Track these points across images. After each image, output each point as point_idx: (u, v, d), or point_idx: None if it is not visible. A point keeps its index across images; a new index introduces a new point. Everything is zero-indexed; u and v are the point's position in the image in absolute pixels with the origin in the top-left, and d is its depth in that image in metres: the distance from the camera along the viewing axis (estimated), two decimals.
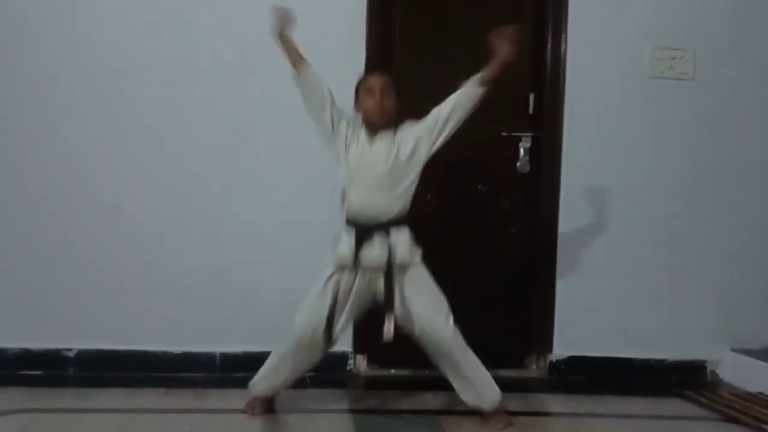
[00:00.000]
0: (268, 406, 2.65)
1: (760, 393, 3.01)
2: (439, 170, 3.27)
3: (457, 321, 3.31)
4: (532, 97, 3.37)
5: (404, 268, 2.53)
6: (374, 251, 2.49)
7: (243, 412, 2.62)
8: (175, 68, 3.10)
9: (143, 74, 3.10)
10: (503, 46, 2.56)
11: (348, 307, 2.56)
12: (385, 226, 2.51)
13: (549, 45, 3.33)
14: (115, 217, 3.09)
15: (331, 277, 2.53)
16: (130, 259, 3.10)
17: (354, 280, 2.53)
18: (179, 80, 3.11)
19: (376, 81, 2.55)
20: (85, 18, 3.07)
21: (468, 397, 2.61)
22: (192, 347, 3.11)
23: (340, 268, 2.53)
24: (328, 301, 2.51)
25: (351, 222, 2.53)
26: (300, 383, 2.94)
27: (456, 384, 2.61)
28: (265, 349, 3.09)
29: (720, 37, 3.33)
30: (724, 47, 3.34)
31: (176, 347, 3.10)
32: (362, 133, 2.56)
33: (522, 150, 3.35)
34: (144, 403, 2.74)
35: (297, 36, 3.11)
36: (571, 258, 3.30)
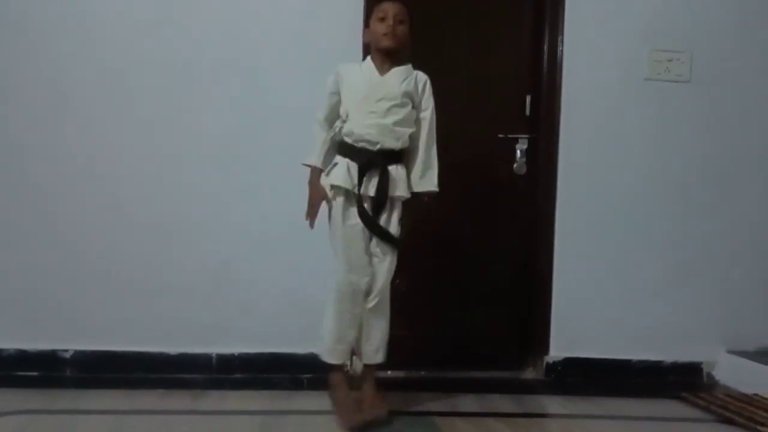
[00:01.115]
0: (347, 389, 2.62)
1: (756, 394, 3.02)
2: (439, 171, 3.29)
3: (455, 321, 3.34)
4: (528, 99, 3.38)
5: (395, 202, 2.56)
6: (375, 181, 2.50)
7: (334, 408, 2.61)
8: (175, 67, 3.10)
9: (144, 73, 3.09)
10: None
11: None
12: (386, 156, 2.51)
13: (546, 47, 3.34)
14: (114, 217, 3.08)
15: (344, 215, 2.52)
16: (128, 259, 3.09)
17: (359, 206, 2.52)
18: (180, 79, 3.11)
19: (389, 6, 2.53)
20: (86, 17, 3.06)
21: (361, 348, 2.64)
22: (189, 348, 3.10)
23: (344, 198, 2.51)
24: (355, 240, 2.51)
25: (350, 148, 2.52)
26: (297, 384, 2.95)
27: (361, 335, 2.62)
28: (263, 350, 3.12)
29: (717, 40, 3.35)
30: (721, 49, 3.35)
31: (174, 348, 3.10)
32: (370, 65, 2.56)
33: (519, 152, 3.36)
34: (141, 405, 2.74)
35: (294, 34, 3.14)
36: (568, 260, 3.31)
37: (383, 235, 2.54)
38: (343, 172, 2.50)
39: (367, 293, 2.57)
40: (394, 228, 2.58)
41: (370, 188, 2.51)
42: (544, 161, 3.34)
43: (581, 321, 3.31)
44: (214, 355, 3.12)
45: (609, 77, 3.31)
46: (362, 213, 2.51)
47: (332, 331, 2.58)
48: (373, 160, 2.50)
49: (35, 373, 3.01)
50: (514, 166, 3.36)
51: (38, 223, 3.06)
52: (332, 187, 2.53)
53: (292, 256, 3.09)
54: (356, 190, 2.50)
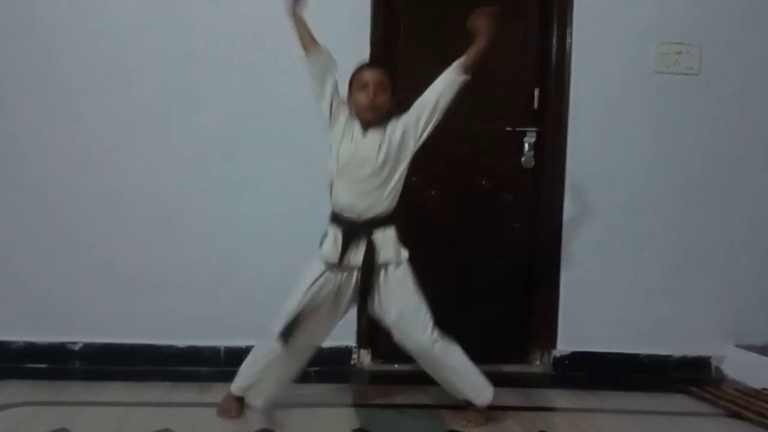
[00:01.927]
0: (241, 406, 2.58)
1: (764, 389, 3.01)
2: (443, 165, 3.29)
3: (462, 315, 3.33)
4: (537, 92, 3.37)
5: (388, 267, 2.47)
6: (360, 250, 2.44)
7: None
8: (178, 63, 3.10)
9: (147, 69, 3.10)
10: (484, 26, 2.49)
11: (337, 306, 2.51)
12: (371, 224, 2.45)
13: (554, 40, 3.32)
14: (120, 211, 3.10)
15: (317, 279, 2.46)
16: (134, 253, 3.10)
17: (341, 278, 2.48)
18: (183, 75, 3.11)
19: (370, 76, 2.44)
20: (86, 13, 3.07)
21: (459, 394, 2.59)
22: (196, 341, 3.12)
23: (328, 266, 2.46)
24: (304, 301, 2.45)
25: (337, 217, 2.48)
26: (304, 377, 2.95)
27: (448, 386, 2.59)
28: None
29: (726, 33, 3.32)
30: (730, 42, 3.32)
31: (181, 341, 3.11)
32: (356, 128, 2.48)
33: (526, 145, 3.35)
34: (148, 397, 2.75)
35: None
36: (575, 253, 3.30)
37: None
38: (330, 242, 2.45)
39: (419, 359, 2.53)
40: (399, 294, 2.48)
41: (356, 257, 2.44)
42: (551, 155, 3.32)
43: (588, 315, 3.30)
44: (221, 347, 3.13)
45: (618, 70, 3.29)
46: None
47: (251, 369, 2.54)
48: (356, 230, 2.44)
49: (44, 366, 3.03)
50: (522, 159, 3.35)
51: (48, 218, 3.07)
52: (321, 258, 2.48)
53: (296, 251, 3.05)
54: (337, 261, 2.44)
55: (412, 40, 3.30)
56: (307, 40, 2.51)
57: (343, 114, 2.50)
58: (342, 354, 3.18)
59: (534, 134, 3.34)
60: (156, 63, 3.10)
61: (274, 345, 2.47)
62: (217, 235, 3.14)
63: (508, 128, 3.35)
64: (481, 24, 2.48)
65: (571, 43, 3.27)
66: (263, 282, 3.12)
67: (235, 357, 3.10)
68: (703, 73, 3.31)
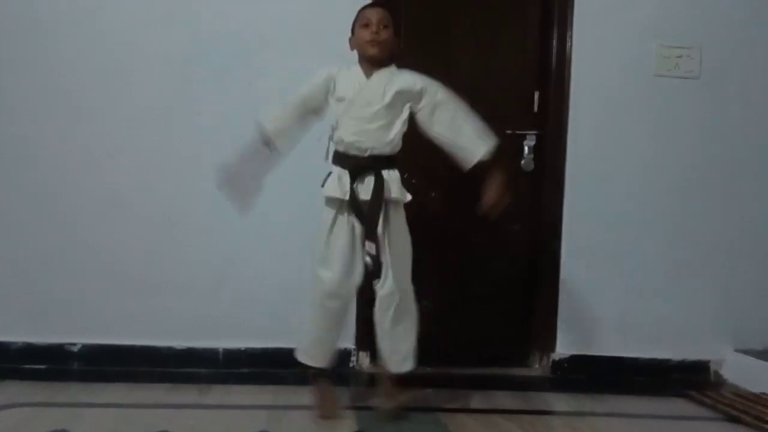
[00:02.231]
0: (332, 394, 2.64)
1: (763, 393, 3.00)
2: (443, 167, 3.27)
3: (461, 318, 3.33)
4: (537, 95, 3.37)
5: (390, 206, 2.51)
6: (367, 186, 2.46)
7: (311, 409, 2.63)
8: (179, 64, 3.10)
9: (148, 70, 3.10)
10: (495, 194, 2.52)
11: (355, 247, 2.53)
12: (377, 161, 2.47)
13: (554, 42, 3.32)
14: (119, 211, 3.09)
15: (334, 222, 2.49)
16: (134, 253, 3.10)
17: (351, 218, 2.50)
18: (183, 76, 3.11)
19: (372, 13, 2.47)
20: (89, 14, 3.07)
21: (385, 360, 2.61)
22: (196, 343, 3.11)
23: (337, 208, 2.48)
24: (338, 245, 2.48)
25: (342, 156, 2.49)
26: (302, 379, 2.95)
27: (382, 344, 2.60)
28: (269, 345, 3.12)
29: (727, 36, 3.32)
30: (731, 45, 3.32)
31: (180, 342, 3.11)
32: (357, 70, 2.50)
33: (526, 148, 3.35)
34: (147, 398, 2.75)
35: (298, 32, 3.13)
36: (575, 256, 3.30)
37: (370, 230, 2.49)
38: (334, 182, 2.48)
39: (380, 301, 2.54)
40: (397, 234, 2.53)
41: (362, 193, 2.47)
42: (551, 158, 3.32)
43: (588, 318, 3.30)
44: (220, 349, 3.13)
45: (618, 73, 3.29)
46: (358, 215, 2.48)
47: (310, 334, 2.60)
48: (363, 165, 2.47)
49: (42, 366, 3.03)
50: (522, 162, 3.35)
51: (47, 219, 3.07)
52: (325, 199, 2.51)
53: (297, 252, 3.08)
54: (347, 197, 2.46)
55: (413, 46, 3.29)
56: (269, 143, 2.55)
57: (326, 74, 2.52)
58: (341, 356, 3.17)
59: (534, 137, 3.34)
60: (157, 63, 3.10)
61: (320, 288, 2.52)
62: (216, 236, 3.14)
63: (508, 131, 3.34)
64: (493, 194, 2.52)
65: (571, 46, 3.27)
66: (263, 283, 3.13)
67: (234, 358, 3.12)
68: (703, 77, 3.31)
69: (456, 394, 2.92)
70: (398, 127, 2.50)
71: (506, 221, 3.37)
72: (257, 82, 3.12)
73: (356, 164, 2.47)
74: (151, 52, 3.09)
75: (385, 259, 2.51)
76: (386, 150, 2.49)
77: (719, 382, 3.30)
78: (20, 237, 3.07)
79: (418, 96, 2.52)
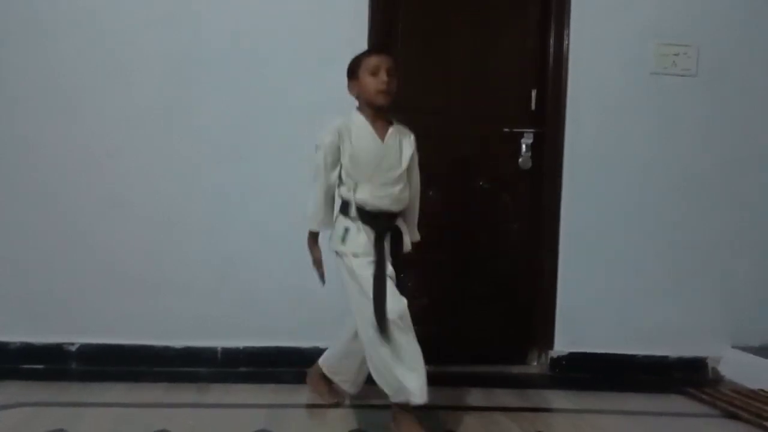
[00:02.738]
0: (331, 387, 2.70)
1: (761, 390, 3.02)
2: (442, 166, 3.29)
3: (461, 316, 3.34)
4: (534, 93, 3.37)
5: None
6: (388, 241, 2.45)
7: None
8: (180, 63, 3.10)
9: (149, 69, 3.10)
10: None
11: None
12: (394, 216, 2.48)
13: (552, 41, 3.33)
14: (118, 211, 3.09)
15: (362, 268, 2.38)
16: (133, 253, 3.10)
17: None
18: (184, 75, 3.11)
19: (381, 61, 2.40)
20: (91, 13, 3.07)
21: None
22: (194, 342, 3.11)
23: (362, 258, 2.40)
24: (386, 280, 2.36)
25: (365, 215, 2.42)
26: (301, 378, 2.95)
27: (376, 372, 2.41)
28: (268, 344, 3.13)
29: (724, 34, 3.33)
30: (728, 43, 3.33)
31: (178, 342, 3.11)
32: (364, 124, 2.44)
33: (524, 146, 3.35)
34: (146, 398, 2.74)
35: (301, 31, 3.13)
36: (573, 254, 3.31)
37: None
38: (363, 239, 2.40)
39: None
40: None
41: (387, 248, 2.44)
42: (549, 156, 3.33)
43: (586, 316, 3.30)
44: (219, 348, 3.13)
45: (615, 71, 3.30)
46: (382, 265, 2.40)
47: (392, 366, 2.34)
48: (388, 226, 2.45)
49: (41, 366, 3.03)
50: (520, 160, 3.35)
51: (47, 218, 3.07)
52: (351, 253, 2.42)
53: (296, 252, 3.05)
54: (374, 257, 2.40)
55: (410, 46, 3.30)
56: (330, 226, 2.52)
57: (336, 135, 2.44)
58: None
59: (531, 135, 3.35)
60: (157, 63, 3.10)
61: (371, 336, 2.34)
62: (216, 236, 3.14)
63: (505, 129, 3.35)
64: None
65: (568, 44, 3.28)
66: (263, 283, 3.13)
67: (232, 357, 3.12)
68: (700, 75, 3.32)
69: (455, 391, 2.92)
70: (408, 186, 2.51)
71: (505, 220, 3.39)
72: (257, 82, 3.12)
73: (382, 224, 2.43)
74: (151, 52, 3.09)
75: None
76: (401, 208, 2.50)
77: (717, 379, 3.31)
78: (20, 237, 3.07)
79: (414, 161, 2.55)
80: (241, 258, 3.13)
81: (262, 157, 3.12)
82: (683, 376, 3.27)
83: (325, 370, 2.71)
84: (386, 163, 2.44)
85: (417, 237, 2.63)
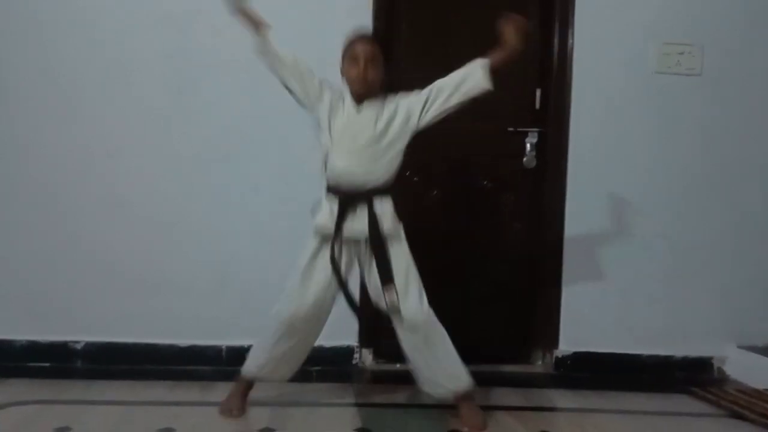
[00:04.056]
0: (243, 404, 2.60)
1: (766, 390, 3.00)
2: (445, 165, 3.29)
3: (464, 315, 3.33)
4: (538, 93, 3.37)
5: (386, 240, 2.44)
6: (357, 221, 2.42)
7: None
8: (178, 63, 3.11)
9: (148, 70, 3.11)
10: (512, 34, 2.48)
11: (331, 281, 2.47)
12: (368, 195, 2.42)
13: (556, 40, 3.32)
14: (123, 211, 3.10)
15: (316, 254, 2.45)
16: (136, 252, 3.11)
17: (338, 251, 2.45)
18: (184, 75, 3.12)
19: (361, 49, 2.44)
20: (89, 14, 3.08)
21: (433, 387, 2.53)
22: (198, 340, 3.12)
23: (322, 238, 2.44)
24: (320, 280, 2.44)
25: (333, 189, 2.44)
26: (305, 377, 2.96)
27: (423, 372, 2.52)
28: None
29: (728, 33, 3.32)
30: (733, 43, 3.32)
31: (183, 340, 3.12)
32: (349, 100, 2.47)
33: (528, 145, 3.35)
34: (150, 396, 2.75)
35: (300, 31, 3.13)
36: (577, 254, 3.30)
37: (345, 292, 2.47)
38: (325, 213, 2.43)
39: (407, 325, 2.46)
40: (399, 259, 2.47)
41: (353, 227, 2.42)
42: (553, 155, 3.32)
43: (590, 315, 3.30)
44: (223, 347, 3.14)
45: (619, 70, 3.29)
46: (333, 259, 2.44)
47: (259, 351, 2.56)
48: (354, 198, 2.42)
49: (46, 364, 3.04)
50: (524, 159, 3.35)
51: (50, 218, 3.09)
52: (314, 228, 2.46)
53: (297, 251, 3.08)
54: (333, 231, 2.41)
55: (412, 41, 3.31)
56: (261, 26, 2.53)
57: (328, 90, 2.49)
58: (344, 353, 3.19)
59: (536, 134, 3.34)
60: (157, 64, 3.11)
61: (280, 322, 2.48)
62: (218, 236, 3.14)
63: (509, 128, 3.35)
64: (509, 32, 2.47)
65: (572, 44, 3.27)
66: (264, 282, 3.11)
67: (236, 356, 3.11)
68: (704, 74, 3.31)
69: None
70: (390, 158, 2.45)
71: (508, 219, 3.39)
72: (257, 82, 3.12)
73: (347, 197, 2.42)
74: (151, 52, 3.10)
75: (398, 284, 2.45)
76: (377, 181, 2.44)
77: (722, 379, 3.30)
78: (23, 237, 3.08)
79: (419, 106, 2.48)
80: (243, 257, 3.13)
81: (262, 156, 3.12)
82: (688, 376, 3.25)
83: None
84: (353, 130, 2.43)
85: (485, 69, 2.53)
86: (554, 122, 3.32)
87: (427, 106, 2.48)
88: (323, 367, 2.88)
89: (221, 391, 2.79)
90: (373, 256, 2.44)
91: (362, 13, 3.14)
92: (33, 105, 3.07)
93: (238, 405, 2.58)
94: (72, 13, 3.07)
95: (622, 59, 3.29)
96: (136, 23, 3.10)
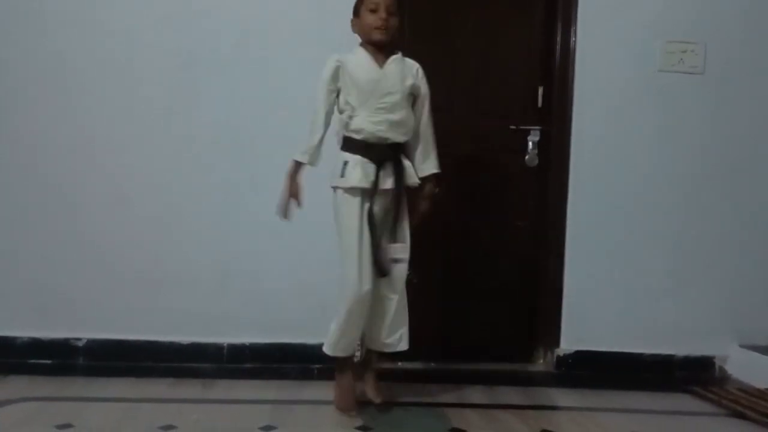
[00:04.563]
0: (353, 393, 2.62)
1: None
2: (447, 163, 3.27)
3: (466, 313, 3.34)
4: (541, 90, 3.36)
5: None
6: (387, 175, 2.49)
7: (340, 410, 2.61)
8: (184, 59, 3.11)
9: (152, 65, 3.11)
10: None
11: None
12: (397, 150, 2.51)
13: (558, 38, 3.32)
14: (124, 208, 3.11)
15: (360, 212, 2.48)
16: (139, 249, 3.11)
17: (371, 205, 2.49)
18: (188, 71, 3.12)
19: None
20: (93, 10, 3.08)
21: (378, 339, 2.61)
22: (200, 338, 3.12)
23: (362, 196, 2.48)
24: (365, 240, 2.48)
25: (362, 144, 2.48)
26: (307, 374, 2.97)
27: (385, 323, 2.59)
28: (274, 340, 3.13)
29: (731, 31, 3.31)
30: (736, 41, 3.31)
31: (184, 338, 3.12)
32: (365, 55, 2.51)
33: (530, 143, 3.34)
34: (152, 393, 2.76)
35: (303, 24, 3.14)
36: (580, 252, 3.29)
37: (375, 252, 2.51)
38: (359, 172, 2.46)
39: (394, 283, 2.55)
40: (404, 216, 2.58)
41: (387, 182, 2.50)
42: (556, 153, 3.32)
43: (592, 314, 3.29)
44: (224, 344, 3.14)
45: (622, 68, 3.28)
46: (370, 216, 2.49)
47: (340, 332, 2.56)
48: (387, 155, 2.49)
49: (48, 361, 3.05)
50: (526, 158, 3.34)
51: (53, 215, 3.09)
52: (347, 188, 2.49)
53: (301, 248, 3.09)
54: (373, 186, 2.47)
55: (417, 40, 3.30)
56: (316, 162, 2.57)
57: (333, 65, 2.53)
58: None
59: (538, 132, 3.34)
60: (161, 62, 3.11)
61: (352, 295, 2.47)
62: (221, 233, 3.14)
63: (512, 126, 3.34)
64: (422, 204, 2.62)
65: (575, 41, 3.27)
66: (268, 279, 3.13)
67: (237, 354, 3.13)
68: (707, 72, 3.30)
69: (460, 389, 2.92)
70: (412, 116, 2.55)
71: (511, 217, 3.38)
72: (261, 79, 3.13)
73: (380, 153, 2.48)
74: (154, 50, 3.10)
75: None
76: (403, 139, 2.53)
77: (724, 378, 3.29)
78: (26, 233, 3.08)
79: (417, 91, 2.58)
80: (246, 254, 3.13)
81: (265, 153, 3.11)
82: (690, 375, 3.25)
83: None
84: (383, 88, 2.48)
85: (432, 169, 2.61)
86: (557, 120, 3.32)
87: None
88: (324, 365, 2.87)
89: (222, 388, 2.81)
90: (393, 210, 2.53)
91: None
92: (37, 102, 3.07)
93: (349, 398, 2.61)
94: (78, 12, 3.07)
95: (624, 57, 3.28)
96: (141, 22, 3.09)
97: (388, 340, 2.61)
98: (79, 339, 3.09)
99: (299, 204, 2.55)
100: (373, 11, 2.48)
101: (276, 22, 3.15)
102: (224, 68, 3.12)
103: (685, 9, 3.29)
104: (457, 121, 3.29)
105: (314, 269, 3.06)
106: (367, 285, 2.47)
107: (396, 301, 2.56)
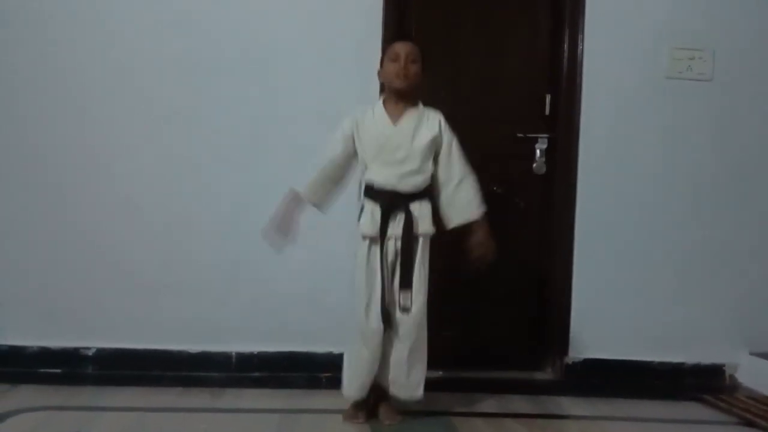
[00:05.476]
0: (367, 410, 2.62)
1: None
2: None
3: (474, 321, 3.33)
4: (548, 98, 3.36)
5: (419, 239, 2.56)
6: (397, 223, 2.52)
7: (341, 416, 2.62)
8: (190, 65, 3.12)
9: (159, 71, 3.12)
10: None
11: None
12: (405, 199, 2.53)
13: (566, 45, 3.32)
14: (133, 216, 3.12)
15: (368, 256, 2.53)
16: (148, 258, 3.12)
17: (384, 250, 2.53)
18: (195, 77, 3.13)
19: (401, 47, 2.55)
20: (102, 16, 3.10)
21: (394, 386, 2.59)
22: (208, 347, 3.13)
23: (370, 241, 2.53)
24: (376, 281, 2.51)
25: (373, 192, 2.54)
26: (315, 383, 2.96)
27: (392, 369, 2.57)
28: (282, 349, 3.13)
29: (739, 38, 3.30)
30: (744, 48, 3.30)
31: (193, 346, 3.12)
32: (382, 111, 2.57)
33: (538, 151, 3.34)
34: (161, 402, 2.76)
35: (311, 33, 3.15)
36: (588, 260, 3.29)
37: (382, 296, 2.53)
38: (368, 219, 2.54)
39: (404, 329, 2.55)
40: (418, 267, 2.57)
41: (396, 230, 2.53)
42: (563, 161, 3.31)
43: (601, 322, 3.28)
44: (233, 353, 3.14)
45: (630, 76, 3.28)
46: (381, 261, 2.53)
47: (350, 370, 2.60)
48: (395, 202, 2.53)
49: (57, 370, 3.06)
50: (534, 165, 3.34)
51: (61, 223, 3.10)
52: (362, 235, 2.55)
53: (309, 257, 3.09)
54: (379, 234, 2.52)
55: (422, 44, 3.29)
56: (321, 206, 2.63)
57: (349, 124, 2.58)
58: None
59: (546, 140, 3.33)
60: (168, 67, 3.12)
61: (360, 328, 2.53)
62: (228, 241, 3.15)
63: (519, 134, 3.34)
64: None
65: (582, 49, 3.26)
66: (276, 288, 3.13)
67: (246, 362, 3.13)
68: (715, 79, 3.29)
69: (468, 397, 2.91)
70: (428, 169, 2.57)
71: (518, 225, 3.37)
72: (269, 85, 3.14)
73: (390, 202, 2.53)
74: (162, 55, 3.12)
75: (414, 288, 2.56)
76: (416, 189, 2.55)
77: (734, 386, 3.27)
78: (34, 242, 3.10)
79: (439, 142, 2.60)
80: (254, 262, 3.13)
81: (273, 160, 3.12)
82: (699, 383, 3.23)
83: None
84: (393, 143, 2.54)
85: (469, 215, 2.62)
86: (564, 128, 3.31)
87: (438, 155, 2.61)
88: (332, 373, 2.87)
89: (231, 397, 2.81)
90: (400, 257, 2.55)
91: (373, 17, 3.13)
92: (43, 107, 3.09)
93: (362, 415, 2.62)
94: (83, 15, 3.09)
95: (632, 64, 3.27)
96: (151, 24, 3.11)
97: (398, 385, 2.59)
98: (88, 348, 3.10)
99: (286, 236, 2.59)
100: (394, 60, 2.54)
101: (285, 28, 3.16)
102: (233, 75, 3.13)
103: (693, 16, 3.28)
104: (464, 128, 3.27)
105: (323, 278, 3.06)
106: (374, 323, 2.50)
107: (405, 349, 2.55)
